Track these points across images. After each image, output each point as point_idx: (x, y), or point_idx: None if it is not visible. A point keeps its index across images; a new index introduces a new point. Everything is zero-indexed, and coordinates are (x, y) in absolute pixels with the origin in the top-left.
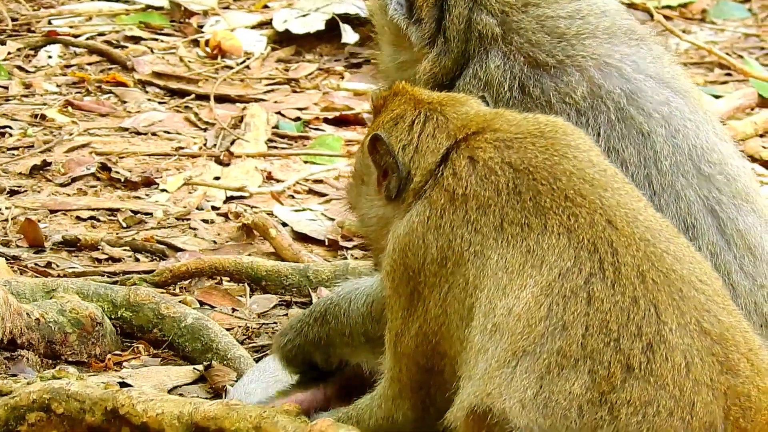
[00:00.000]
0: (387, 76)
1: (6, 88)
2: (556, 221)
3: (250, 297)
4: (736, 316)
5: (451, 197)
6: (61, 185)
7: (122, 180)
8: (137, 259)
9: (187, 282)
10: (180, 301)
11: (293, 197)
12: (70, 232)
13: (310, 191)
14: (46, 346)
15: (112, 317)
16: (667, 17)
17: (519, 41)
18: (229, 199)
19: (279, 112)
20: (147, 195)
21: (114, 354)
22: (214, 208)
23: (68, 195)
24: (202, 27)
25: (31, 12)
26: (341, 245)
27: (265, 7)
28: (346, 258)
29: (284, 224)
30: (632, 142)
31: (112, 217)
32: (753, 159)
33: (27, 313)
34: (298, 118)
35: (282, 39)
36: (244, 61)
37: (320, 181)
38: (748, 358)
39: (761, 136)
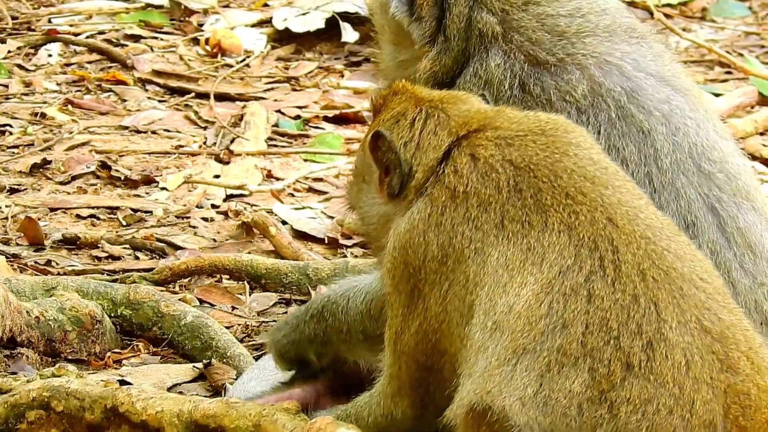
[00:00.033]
0: (387, 74)
1: (6, 86)
2: (556, 219)
3: (250, 295)
4: (736, 314)
5: (453, 194)
6: (61, 183)
7: (122, 178)
8: (137, 257)
9: (186, 280)
10: (180, 299)
11: (293, 195)
12: (70, 231)
13: (310, 189)
14: (46, 344)
15: (112, 315)
16: (667, 15)
17: (519, 39)
18: (228, 198)
19: (279, 111)
20: (147, 193)
21: (114, 352)
22: (213, 206)
23: (68, 193)
24: (202, 25)
25: (31, 10)
26: (341, 243)
27: (265, 5)
28: (345, 256)
29: (284, 222)
30: (633, 140)
31: (112, 216)
32: (753, 157)
33: (27, 311)
34: (298, 117)
35: (282, 37)
36: (244, 60)
37: (320, 180)
38: (748, 357)
39: (761, 134)
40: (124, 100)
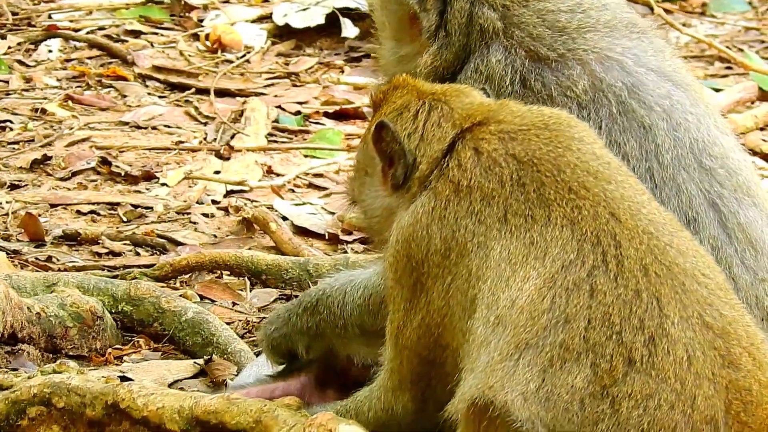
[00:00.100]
0: (387, 70)
1: (6, 82)
2: (559, 213)
3: (251, 291)
4: (738, 309)
5: (456, 188)
6: (62, 179)
7: (122, 174)
8: (138, 253)
9: (187, 276)
10: (180, 295)
11: (293, 191)
12: (71, 227)
13: (311, 185)
14: (47, 340)
15: (113, 311)
16: (667, 11)
17: (520, 35)
18: (229, 193)
19: (279, 106)
20: (147, 189)
21: (114, 348)
22: (214, 202)
23: (69, 189)
24: (202, 21)
25: (31, 6)
26: (341, 239)
27: (265, 1)
28: (346, 252)
29: (284, 218)
30: (634, 136)
31: (112, 212)
32: (753, 152)
33: (28, 308)
34: (298, 112)
35: (282, 33)
36: (244, 55)
37: (320, 175)
38: (750, 352)
39: (762, 129)
40: (125, 96)
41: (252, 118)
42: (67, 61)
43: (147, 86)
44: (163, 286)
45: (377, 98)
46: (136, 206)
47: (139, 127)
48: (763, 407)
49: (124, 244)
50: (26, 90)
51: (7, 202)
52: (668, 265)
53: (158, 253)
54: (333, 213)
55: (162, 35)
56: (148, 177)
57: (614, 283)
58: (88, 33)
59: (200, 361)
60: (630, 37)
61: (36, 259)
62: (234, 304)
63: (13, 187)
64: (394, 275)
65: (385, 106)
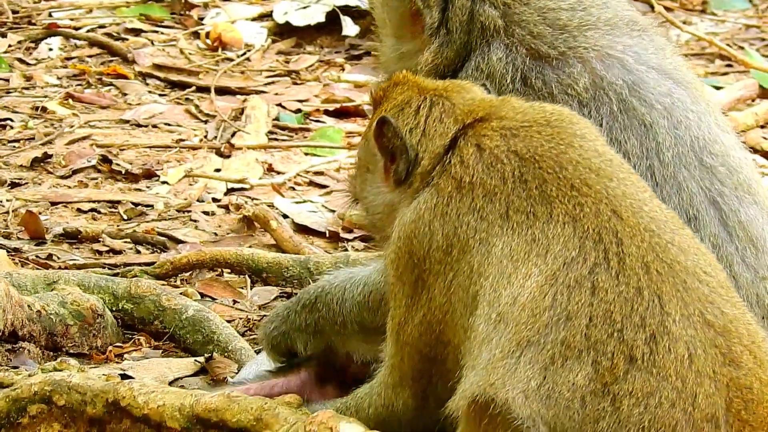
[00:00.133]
0: (387, 68)
1: (7, 80)
2: (561, 210)
3: (251, 289)
4: (739, 308)
5: (459, 185)
6: (62, 177)
7: (123, 172)
8: (138, 251)
9: (188, 274)
10: (181, 293)
11: (294, 189)
12: (71, 225)
13: (311, 183)
14: (48, 338)
15: (113, 309)
16: (667, 8)
17: (521, 33)
18: (229, 191)
19: (279, 104)
20: (148, 187)
21: (115, 346)
22: (214, 200)
23: (69, 187)
24: (202, 19)
25: (31, 4)
26: (342, 237)
27: None
28: (346, 250)
29: (285, 216)
30: (634, 134)
31: (113, 209)
32: (754, 150)
33: (28, 305)
34: (298, 110)
35: (282, 31)
36: (244, 53)
37: (321, 173)
38: (751, 351)
39: (762, 127)
40: (125, 94)
41: (252, 116)
42: (68, 59)
43: (147, 84)
44: (163, 284)
45: (377, 96)
46: (136, 204)
47: (139, 125)
48: (764, 405)
49: (125, 242)
50: (27, 88)
51: (7, 200)
52: (670, 263)
53: (159, 251)
54: (333, 211)
55: (162, 33)
56: (149, 175)
57: (616, 280)
58: (88, 31)
59: (201, 359)
60: (631, 35)
61: (36, 257)
62: (234, 302)
63: (14, 185)
64: (395, 272)
65: (385, 102)
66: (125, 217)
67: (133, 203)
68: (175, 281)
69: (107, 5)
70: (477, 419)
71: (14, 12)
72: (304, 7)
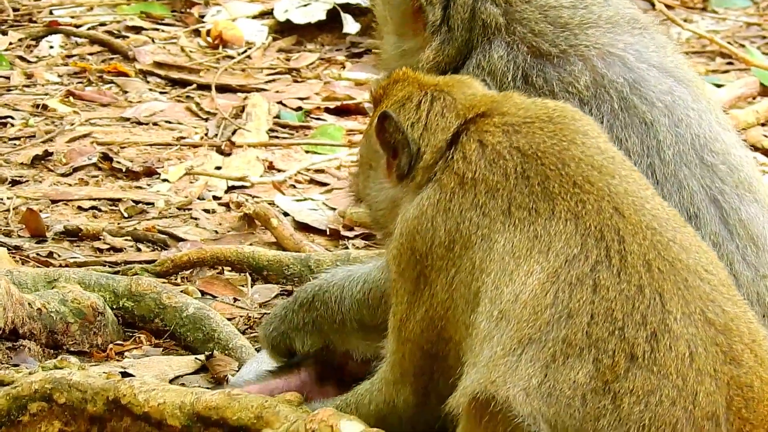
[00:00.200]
0: (388, 65)
1: (7, 78)
2: (563, 207)
3: (252, 287)
4: (741, 306)
5: (461, 181)
6: (63, 175)
7: (124, 170)
8: (139, 249)
9: (188, 272)
10: (181, 291)
11: (294, 187)
12: (72, 222)
13: (312, 181)
14: (48, 336)
15: (114, 307)
16: (668, 6)
17: (522, 31)
18: (230, 189)
19: (280, 102)
20: (148, 185)
21: (115, 344)
22: (215, 197)
23: (70, 185)
24: (203, 17)
25: (32, 2)
26: (342, 235)
27: None
28: (347, 248)
29: (286, 214)
30: (635, 132)
31: (113, 207)
32: (755, 148)
33: (29, 303)
34: (299, 108)
35: (283, 29)
36: (245, 51)
37: (322, 171)
38: (752, 349)
39: (763, 125)
40: (126, 92)
41: (253, 114)
42: (68, 57)
43: (148, 82)
44: (164, 282)
45: (377, 93)
46: (137, 202)
47: (140, 123)
48: (765, 404)
49: (125, 239)
50: (27, 86)
51: (8, 198)
52: (671, 261)
53: (159, 248)
54: (334, 209)
55: (163, 31)
56: (149, 173)
57: (617, 278)
58: (89, 29)
59: (201, 356)
60: (632, 33)
61: (37, 255)
62: (235, 299)
63: (15, 183)
64: (397, 268)
65: (386, 99)
66: (126, 214)
67: (133, 201)
68: (176, 279)
69: (108, 3)
70: (478, 416)
71: (15, 10)
72: (305, 5)
